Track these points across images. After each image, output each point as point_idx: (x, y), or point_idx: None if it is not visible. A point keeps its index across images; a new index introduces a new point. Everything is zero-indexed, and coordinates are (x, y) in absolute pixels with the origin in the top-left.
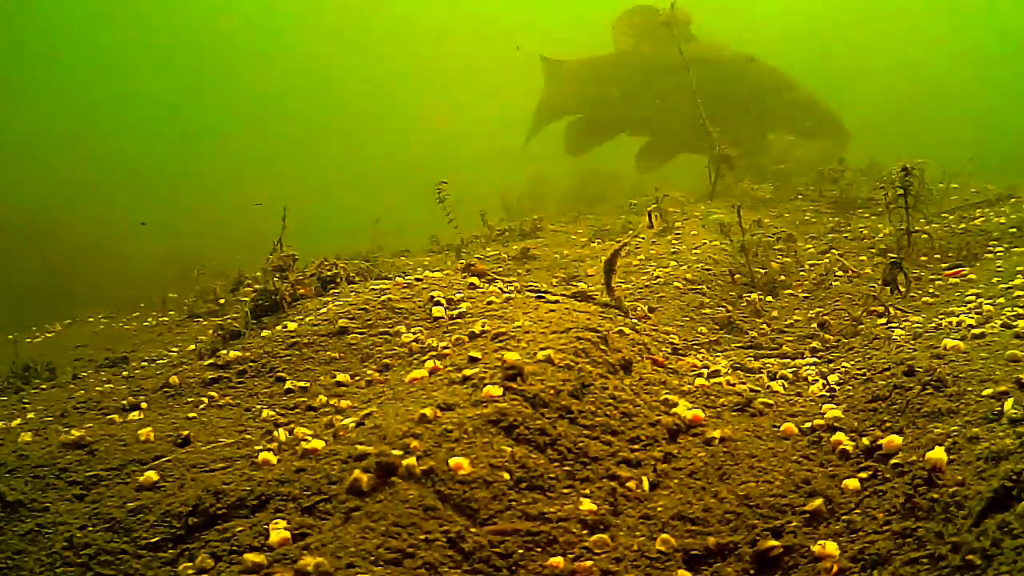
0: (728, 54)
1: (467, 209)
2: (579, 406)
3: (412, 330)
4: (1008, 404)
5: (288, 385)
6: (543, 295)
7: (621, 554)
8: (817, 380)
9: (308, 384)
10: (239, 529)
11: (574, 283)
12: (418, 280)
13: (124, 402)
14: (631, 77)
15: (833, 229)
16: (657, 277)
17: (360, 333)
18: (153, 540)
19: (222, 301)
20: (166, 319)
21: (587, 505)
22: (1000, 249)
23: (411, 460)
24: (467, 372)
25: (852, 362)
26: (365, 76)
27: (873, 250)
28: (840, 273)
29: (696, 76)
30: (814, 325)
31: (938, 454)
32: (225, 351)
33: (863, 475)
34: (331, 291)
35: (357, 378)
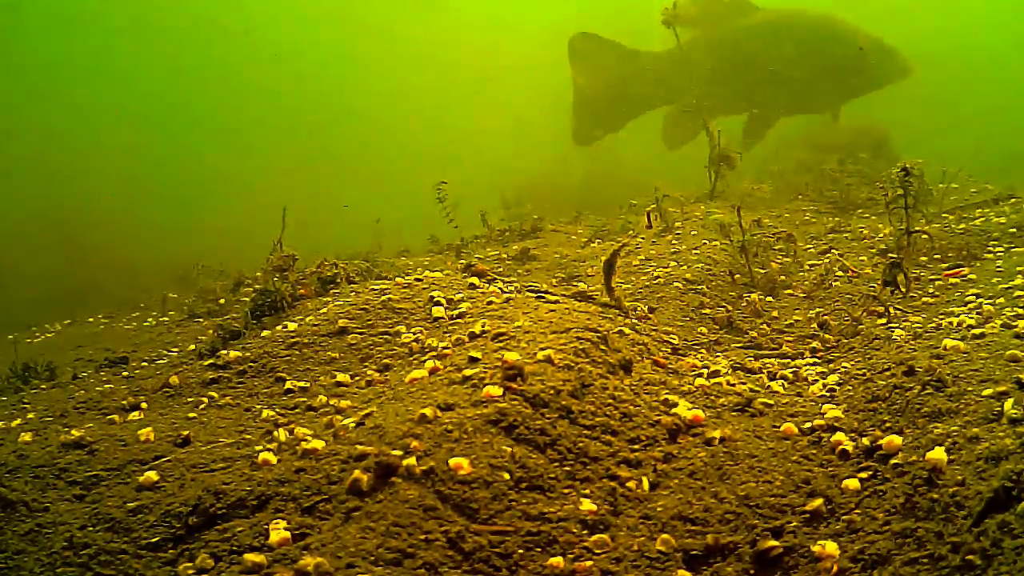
0: (793, 16)
1: (467, 209)
2: (579, 406)
3: (412, 330)
4: (1008, 404)
5: (288, 385)
6: (543, 295)
7: (621, 554)
8: (817, 380)
9: (308, 384)
10: (239, 529)
11: (574, 283)
12: (418, 280)
13: (124, 402)
14: (714, 58)
15: (833, 229)
16: (657, 277)
17: (360, 333)
18: (153, 540)
19: (222, 301)
20: (166, 319)
21: (587, 505)
22: (1000, 249)
23: (411, 460)
24: (467, 372)
25: (852, 362)
26: (364, 75)
27: (873, 250)
28: (840, 273)
29: (767, 43)
30: (814, 325)
31: (938, 454)
32: (225, 351)
33: (863, 475)
34: (331, 291)
35: (357, 378)
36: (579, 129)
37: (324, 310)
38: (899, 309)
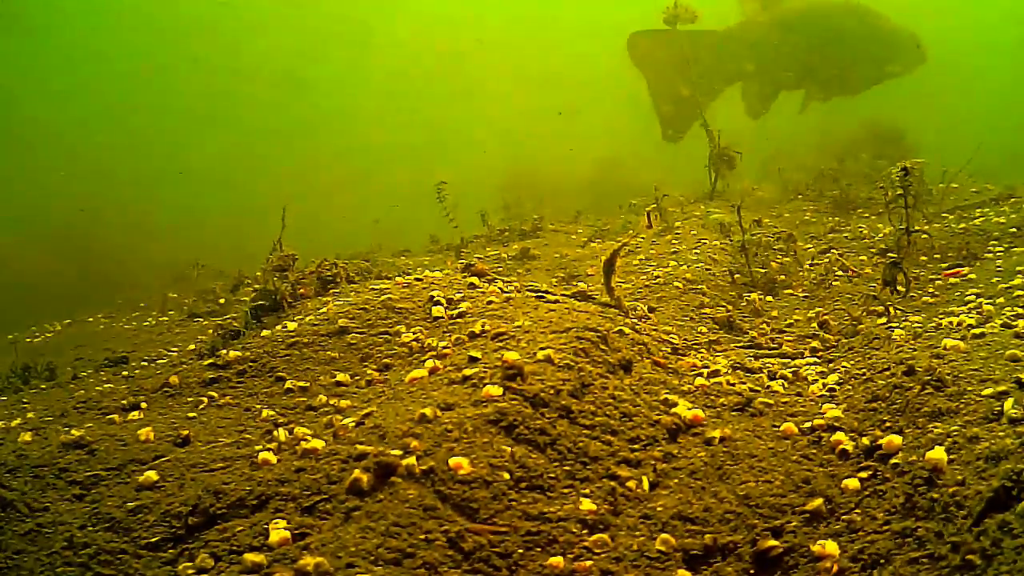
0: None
1: (467, 209)
2: (579, 406)
3: (412, 330)
4: (1008, 404)
5: (288, 385)
6: (543, 295)
7: (621, 554)
8: (817, 380)
9: (308, 384)
10: (239, 529)
11: (574, 283)
12: (418, 280)
13: (124, 402)
14: (771, 37)
15: (833, 229)
16: (657, 277)
17: (360, 333)
18: (153, 540)
19: (222, 301)
20: (166, 319)
21: (587, 505)
22: (1000, 249)
23: (411, 460)
24: (467, 372)
25: (852, 362)
26: (364, 75)
27: (873, 250)
28: (840, 273)
29: (809, 24)
30: (814, 325)
31: (938, 454)
32: (225, 351)
33: (863, 475)
34: (331, 291)
35: (357, 378)
36: (666, 127)
37: (324, 310)
38: (899, 309)
